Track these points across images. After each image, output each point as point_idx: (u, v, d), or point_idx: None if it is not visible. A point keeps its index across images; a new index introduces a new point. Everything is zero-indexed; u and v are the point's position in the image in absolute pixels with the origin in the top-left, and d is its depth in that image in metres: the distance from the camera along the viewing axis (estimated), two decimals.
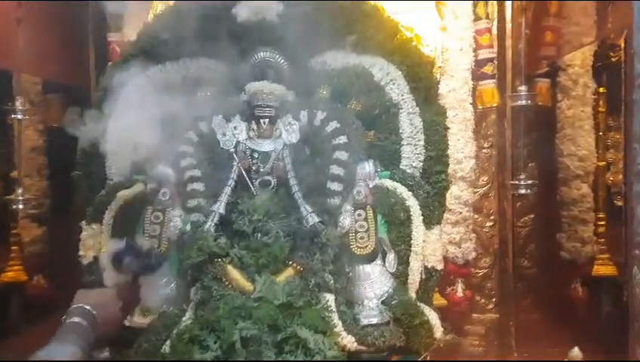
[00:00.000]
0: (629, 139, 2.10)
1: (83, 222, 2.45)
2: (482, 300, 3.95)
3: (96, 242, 2.41)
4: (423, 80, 2.53)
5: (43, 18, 3.55)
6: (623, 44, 3.25)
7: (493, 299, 3.94)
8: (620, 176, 3.92)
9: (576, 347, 2.15)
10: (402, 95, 2.50)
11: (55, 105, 3.88)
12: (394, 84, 2.51)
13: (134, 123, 2.37)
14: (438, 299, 3.30)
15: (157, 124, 2.48)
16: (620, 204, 3.85)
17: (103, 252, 2.38)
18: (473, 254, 3.81)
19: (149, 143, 2.37)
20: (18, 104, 3.17)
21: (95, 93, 2.71)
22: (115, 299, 1.66)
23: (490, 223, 3.96)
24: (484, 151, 3.93)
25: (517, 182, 3.40)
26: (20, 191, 3.23)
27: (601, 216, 3.84)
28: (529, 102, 3.28)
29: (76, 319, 1.47)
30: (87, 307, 1.54)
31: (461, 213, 3.75)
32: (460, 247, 3.75)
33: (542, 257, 4.01)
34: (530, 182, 3.33)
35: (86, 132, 2.37)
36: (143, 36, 2.66)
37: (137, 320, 2.24)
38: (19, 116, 3.22)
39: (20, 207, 3.21)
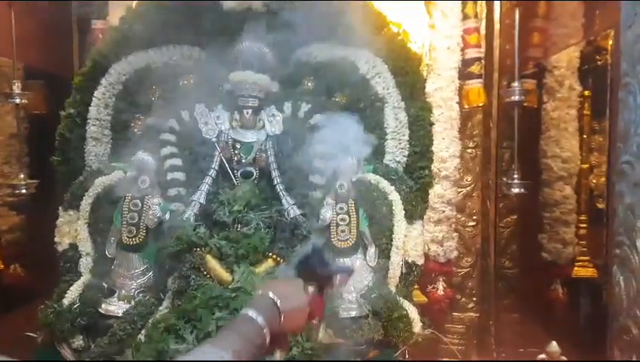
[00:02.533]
0: (613, 138, 2.11)
1: (60, 208, 2.41)
2: (463, 299, 3.94)
3: (72, 229, 2.37)
4: (409, 74, 2.52)
5: (26, 3, 3.48)
6: (609, 44, 3.25)
7: (474, 299, 3.93)
8: (603, 179, 3.94)
9: (554, 341, 2.14)
10: (388, 89, 2.49)
11: (37, 92, 3.81)
12: (379, 77, 2.50)
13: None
14: (419, 296, 3.29)
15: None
16: (601, 206, 3.86)
17: (79, 239, 2.35)
18: (455, 253, 3.81)
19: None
20: (15, 88, 3.11)
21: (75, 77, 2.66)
22: (303, 292, 1.34)
23: (473, 223, 3.95)
24: (468, 150, 3.92)
25: (509, 181, 3.38)
26: (21, 176, 3.18)
27: (582, 218, 3.85)
28: (522, 98, 3.27)
29: (251, 312, 1.20)
30: (272, 295, 1.26)
31: (444, 211, 3.74)
32: (442, 246, 3.74)
33: (523, 258, 4.01)
34: (523, 181, 3.30)
35: None
36: (125, 22, 2.62)
37: (112, 307, 2.21)
38: (17, 100, 3.17)
39: (23, 191, 3.15)
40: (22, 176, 3.21)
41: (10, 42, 3.20)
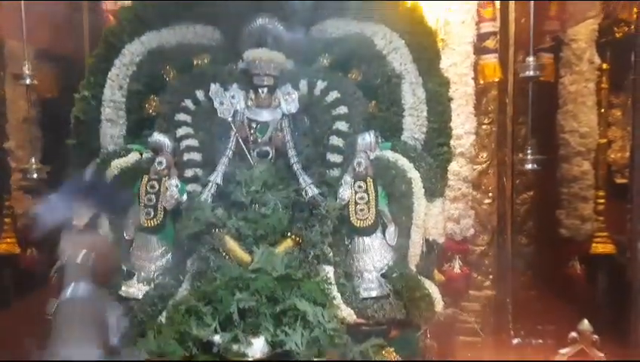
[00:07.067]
0: (637, 110, 2.05)
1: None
2: (479, 277, 3.91)
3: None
4: (426, 49, 2.46)
5: None
6: (635, 12, 3.16)
7: (490, 276, 3.91)
8: (620, 154, 3.88)
9: (586, 320, 2.11)
10: (405, 64, 2.44)
11: (49, 76, 3.79)
12: (396, 53, 2.44)
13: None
14: (436, 275, 3.27)
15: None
16: (619, 181, 3.82)
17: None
18: (471, 231, 3.78)
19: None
20: (25, 69, 3.05)
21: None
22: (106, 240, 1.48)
23: (489, 200, 3.91)
24: (484, 127, 3.86)
25: (522, 156, 3.32)
26: (32, 160, 3.14)
27: (600, 193, 3.81)
28: (537, 73, 3.20)
29: (79, 260, 1.32)
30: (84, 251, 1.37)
31: (460, 189, 3.70)
32: (459, 223, 3.72)
33: (540, 234, 3.98)
34: (536, 156, 3.25)
35: None
36: (138, 2, 2.58)
37: (131, 290, 2.20)
38: (27, 81, 3.11)
39: (34, 176, 3.11)
40: (33, 160, 3.16)
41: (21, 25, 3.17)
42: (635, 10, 3.15)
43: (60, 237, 1.68)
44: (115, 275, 1.45)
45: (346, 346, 1.94)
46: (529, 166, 3.22)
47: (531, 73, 3.17)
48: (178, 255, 2.23)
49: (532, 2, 3.21)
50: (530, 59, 3.16)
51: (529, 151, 3.22)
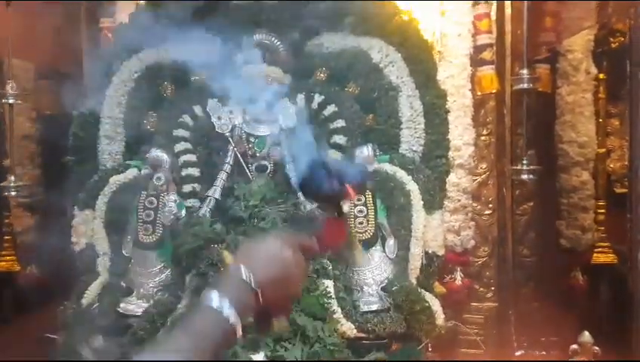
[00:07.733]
0: (634, 119, 2.05)
1: (75, 207, 2.40)
2: (481, 289, 3.89)
3: (88, 228, 2.36)
4: (423, 62, 2.48)
5: (34, 3, 3.47)
6: (629, 22, 3.16)
7: (492, 288, 3.89)
8: (620, 164, 3.88)
9: (586, 332, 2.10)
10: (402, 77, 2.45)
11: (47, 92, 3.81)
12: (393, 66, 2.46)
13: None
14: (438, 287, 3.26)
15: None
16: (619, 191, 3.81)
17: (96, 238, 2.33)
18: (472, 242, 3.76)
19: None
20: (9, 88, 3.04)
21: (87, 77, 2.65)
22: (285, 249, 1.06)
23: (489, 211, 3.90)
24: (482, 138, 3.86)
25: (519, 167, 3.33)
26: (12, 178, 3.10)
27: (600, 203, 3.80)
28: (531, 85, 3.21)
29: (213, 301, 0.96)
30: (243, 271, 1.00)
31: (460, 200, 3.69)
32: (459, 235, 3.70)
33: (541, 245, 3.96)
34: (532, 167, 3.25)
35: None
36: (135, 18, 2.60)
37: (131, 306, 2.20)
38: (10, 100, 3.10)
39: (12, 194, 3.07)
40: (12, 178, 3.12)
41: (19, 43, 3.19)
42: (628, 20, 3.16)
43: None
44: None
45: (346, 361, 1.93)
46: (524, 176, 3.22)
47: (525, 85, 3.19)
48: (177, 271, 2.22)
49: (525, 14, 3.23)
50: (524, 71, 3.18)
51: (524, 162, 3.22)
